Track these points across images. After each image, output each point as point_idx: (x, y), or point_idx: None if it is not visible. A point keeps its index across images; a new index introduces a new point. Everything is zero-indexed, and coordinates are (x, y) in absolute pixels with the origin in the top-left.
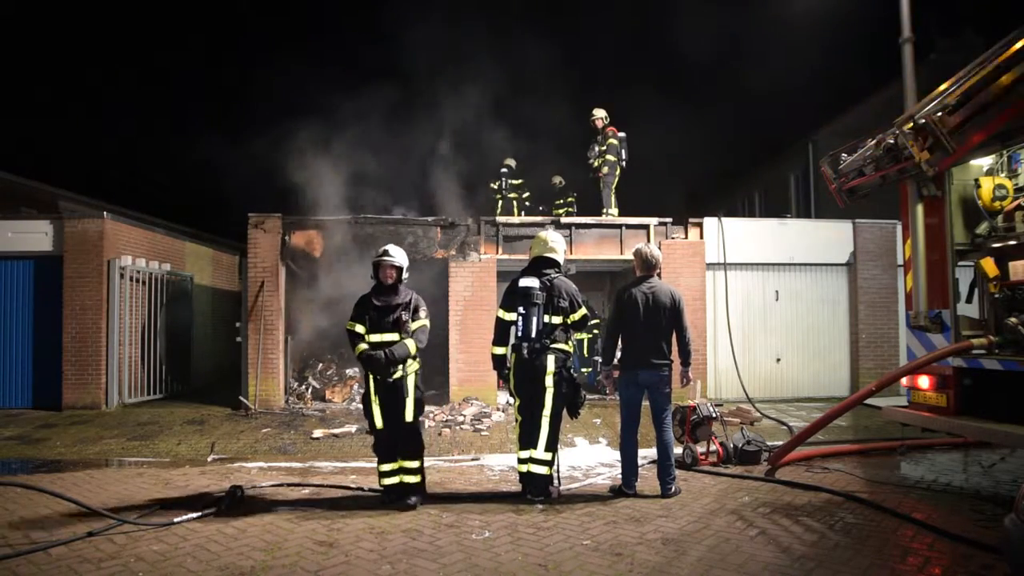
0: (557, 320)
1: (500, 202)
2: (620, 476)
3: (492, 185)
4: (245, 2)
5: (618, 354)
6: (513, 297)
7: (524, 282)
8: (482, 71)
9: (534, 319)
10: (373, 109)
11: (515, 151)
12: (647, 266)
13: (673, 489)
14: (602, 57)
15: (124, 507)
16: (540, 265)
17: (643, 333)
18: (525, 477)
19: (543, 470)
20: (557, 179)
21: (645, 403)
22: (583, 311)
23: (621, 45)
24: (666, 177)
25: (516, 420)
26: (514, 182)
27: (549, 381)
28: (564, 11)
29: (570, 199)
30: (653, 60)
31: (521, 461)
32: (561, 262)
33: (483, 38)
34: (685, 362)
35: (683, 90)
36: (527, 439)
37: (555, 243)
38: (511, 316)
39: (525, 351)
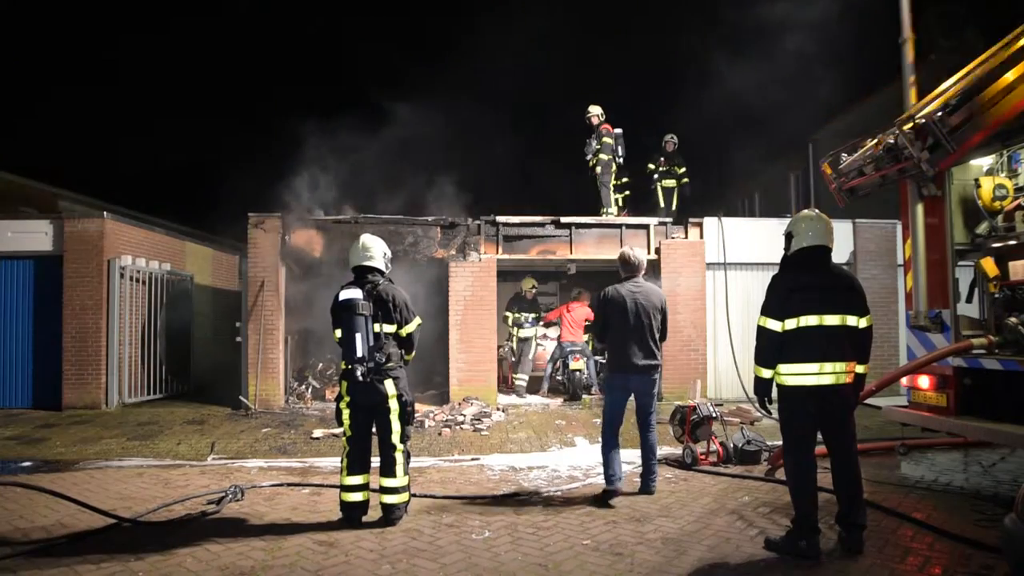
0: (390, 329)
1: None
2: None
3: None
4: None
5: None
6: (337, 314)
7: (346, 295)
8: (489, 70)
9: (359, 335)
10: (372, 107)
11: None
12: (631, 268)
13: (655, 486)
14: (601, 56)
15: (124, 507)
16: (363, 274)
17: (633, 334)
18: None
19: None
20: (670, 136)
21: (630, 404)
22: (417, 321)
23: (620, 44)
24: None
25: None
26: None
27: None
28: (559, 10)
29: (676, 167)
30: (652, 59)
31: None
32: (383, 268)
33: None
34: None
35: (682, 89)
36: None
37: (372, 247)
38: (337, 334)
39: (359, 374)
